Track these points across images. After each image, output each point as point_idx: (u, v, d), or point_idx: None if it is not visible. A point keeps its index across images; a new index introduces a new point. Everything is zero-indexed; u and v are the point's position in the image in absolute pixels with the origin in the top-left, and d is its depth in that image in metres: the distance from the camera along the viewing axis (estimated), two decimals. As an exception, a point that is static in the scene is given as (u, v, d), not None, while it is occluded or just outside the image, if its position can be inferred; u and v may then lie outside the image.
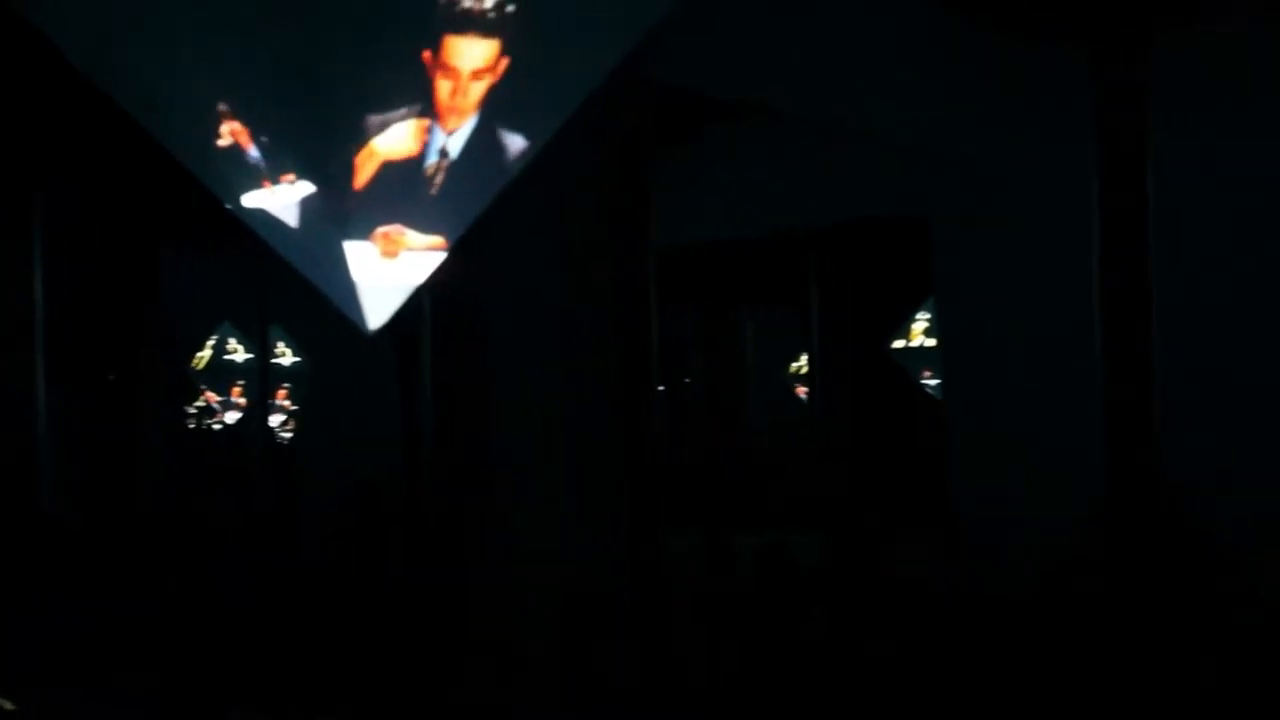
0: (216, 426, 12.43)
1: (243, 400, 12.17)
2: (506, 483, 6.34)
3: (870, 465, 10.51)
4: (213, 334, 12.06)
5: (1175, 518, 7.05)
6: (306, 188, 2.37)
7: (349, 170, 2.28)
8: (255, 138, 2.34)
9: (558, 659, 6.03)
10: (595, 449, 6.26)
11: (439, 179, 2.36)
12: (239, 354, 12.02)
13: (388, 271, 2.41)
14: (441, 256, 2.49)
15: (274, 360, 11.90)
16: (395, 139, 2.27)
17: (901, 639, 6.82)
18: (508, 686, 6.02)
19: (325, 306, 2.56)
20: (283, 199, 2.42)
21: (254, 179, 2.43)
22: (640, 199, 6.63)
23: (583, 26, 2.42)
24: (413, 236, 2.41)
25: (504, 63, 2.27)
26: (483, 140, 2.37)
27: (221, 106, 2.33)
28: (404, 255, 2.41)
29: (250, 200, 2.48)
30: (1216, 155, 7.84)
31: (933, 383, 9.87)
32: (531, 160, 2.57)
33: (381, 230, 2.38)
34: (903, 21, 7.56)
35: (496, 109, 2.35)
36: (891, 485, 10.00)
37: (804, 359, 11.56)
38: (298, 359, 12.06)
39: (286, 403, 12.21)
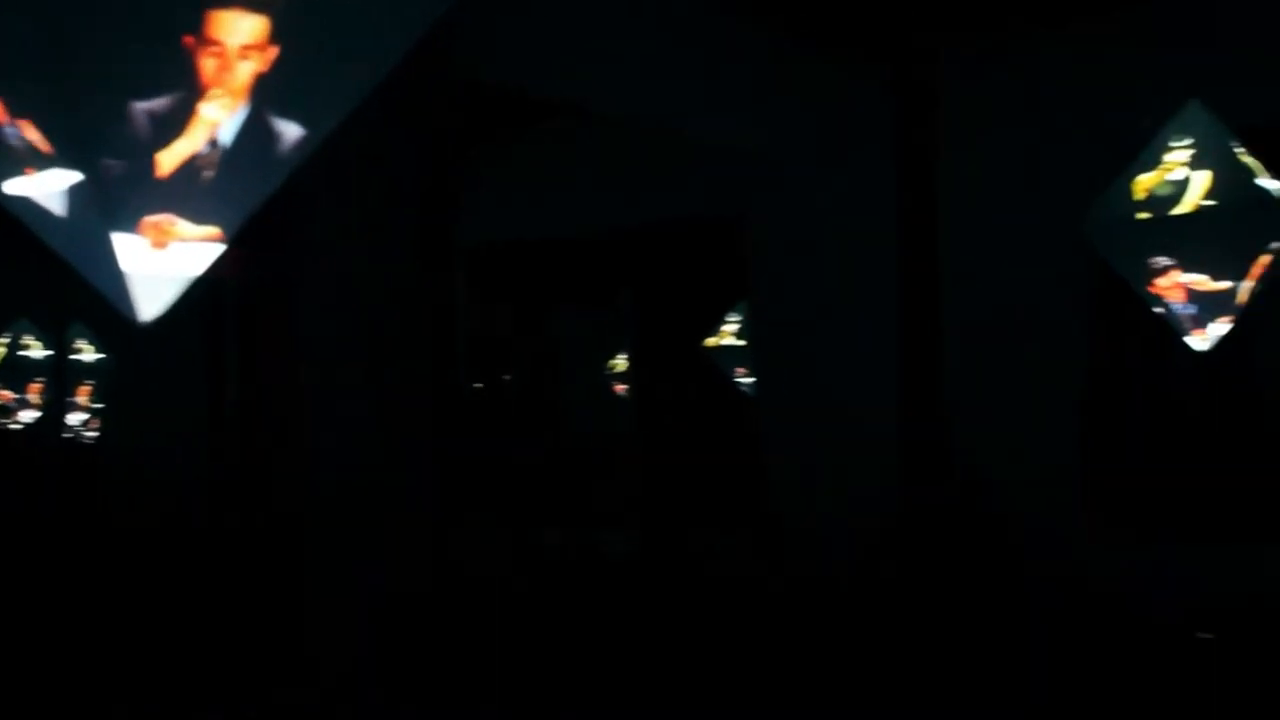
0: (14, 426, 11.94)
1: (41, 399, 11.71)
2: (315, 480, 6.23)
3: (688, 462, 10.61)
4: (6, 331, 11.58)
5: (969, 503, 7.32)
6: (72, 174, 2.27)
7: (114, 155, 2.20)
8: (13, 117, 2.24)
9: (360, 660, 5.95)
10: (403, 445, 6.20)
11: (210, 167, 2.29)
12: (36, 350, 11.56)
13: (159, 262, 2.33)
14: (219, 248, 2.41)
15: (74, 357, 11.48)
16: (163, 123, 2.20)
17: (710, 631, 6.92)
18: (312, 688, 5.92)
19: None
20: (47, 185, 2.32)
21: (16, 164, 2.33)
22: (452, 196, 6.60)
23: (363, 11, 2.37)
24: (184, 227, 2.33)
25: (275, 45, 2.22)
26: (256, 128, 2.31)
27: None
28: (175, 246, 2.33)
29: (13, 187, 2.37)
30: (1002, 164, 8.14)
31: (747, 381, 10.02)
32: (317, 151, 2.51)
33: (151, 220, 2.29)
34: (715, 27, 7.66)
35: (270, 94, 2.29)
36: (708, 482, 10.12)
37: (622, 357, 11.62)
38: (101, 355, 11.66)
39: (88, 400, 11.79)
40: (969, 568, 7.03)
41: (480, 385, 11.47)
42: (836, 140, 8.46)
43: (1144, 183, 5.77)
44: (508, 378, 12.58)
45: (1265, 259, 5.78)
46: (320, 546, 6.06)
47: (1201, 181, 5.69)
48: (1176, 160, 5.73)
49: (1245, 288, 5.77)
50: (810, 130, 8.46)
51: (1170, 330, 6.05)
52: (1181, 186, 5.68)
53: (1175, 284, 5.88)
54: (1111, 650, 6.48)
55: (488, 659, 6.43)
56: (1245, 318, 5.94)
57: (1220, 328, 5.88)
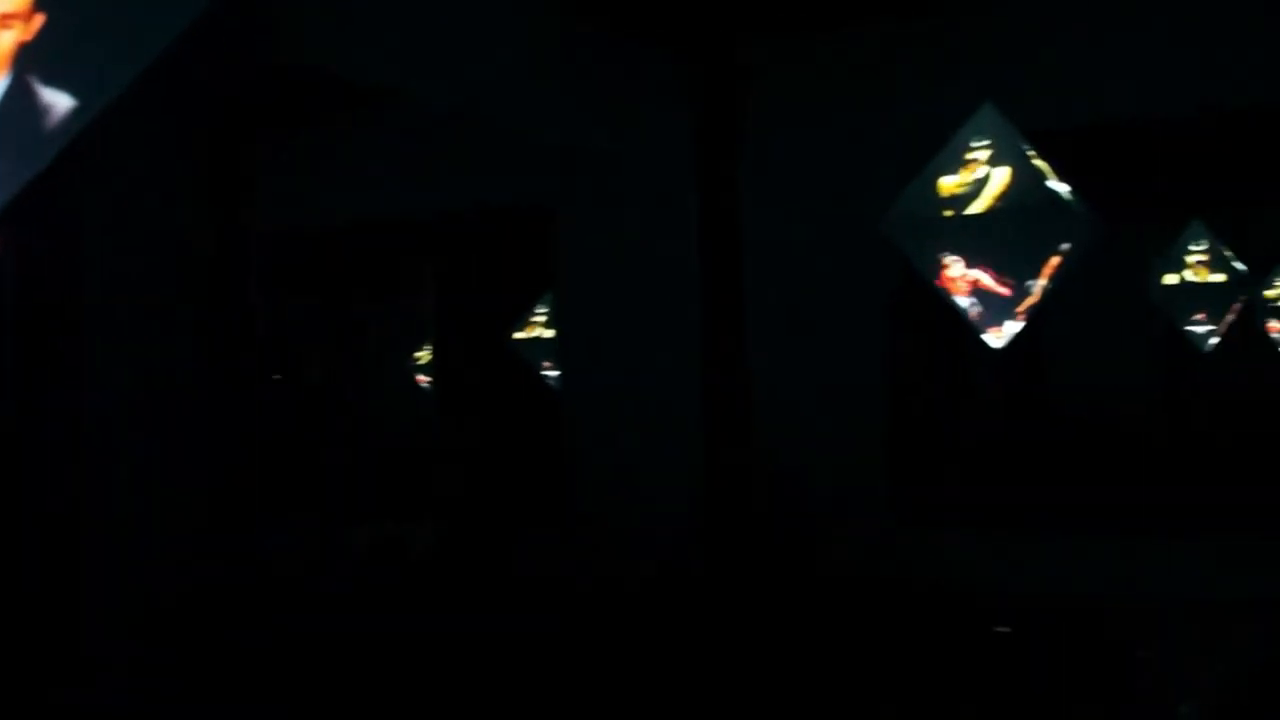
0: None
1: None
2: (95, 476, 5.96)
3: (494, 457, 10.49)
4: None
5: (775, 497, 7.40)
6: None
7: None
8: None
9: (136, 656, 5.71)
10: (187, 440, 5.97)
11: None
12: None
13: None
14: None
15: None
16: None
17: (511, 627, 6.83)
18: (89, 684, 5.65)
19: None
20: None
21: None
22: (247, 181, 6.38)
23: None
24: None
25: (38, 17, 2.07)
26: (21, 99, 2.16)
27: None
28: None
29: None
30: (805, 161, 8.26)
31: (553, 374, 9.94)
32: (93, 130, 2.35)
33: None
34: (528, 18, 7.58)
35: (35, 64, 2.13)
36: (515, 477, 10.01)
37: (427, 349, 11.42)
38: None
39: None
40: (772, 565, 7.11)
41: (279, 377, 11.14)
42: (644, 134, 8.45)
43: (946, 182, 5.90)
44: (311, 369, 12.26)
45: (1055, 259, 5.97)
46: (98, 544, 5.79)
47: (998, 182, 5.84)
48: (976, 161, 5.87)
49: (1038, 286, 5.96)
50: (618, 123, 8.44)
51: (968, 326, 6.21)
52: (980, 186, 5.82)
53: (971, 281, 6.03)
54: (917, 640, 6.61)
55: (276, 658, 6.23)
56: (1038, 315, 6.13)
57: (1014, 325, 6.06)
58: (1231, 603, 6.87)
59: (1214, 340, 8.83)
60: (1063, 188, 5.89)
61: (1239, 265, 8.82)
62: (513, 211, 9.74)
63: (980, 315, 6.09)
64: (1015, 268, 5.90)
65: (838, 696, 5.85)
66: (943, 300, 6.23)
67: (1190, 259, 8.68)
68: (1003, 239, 5.93)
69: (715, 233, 7.31)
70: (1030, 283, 5.90)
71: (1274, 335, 9.46)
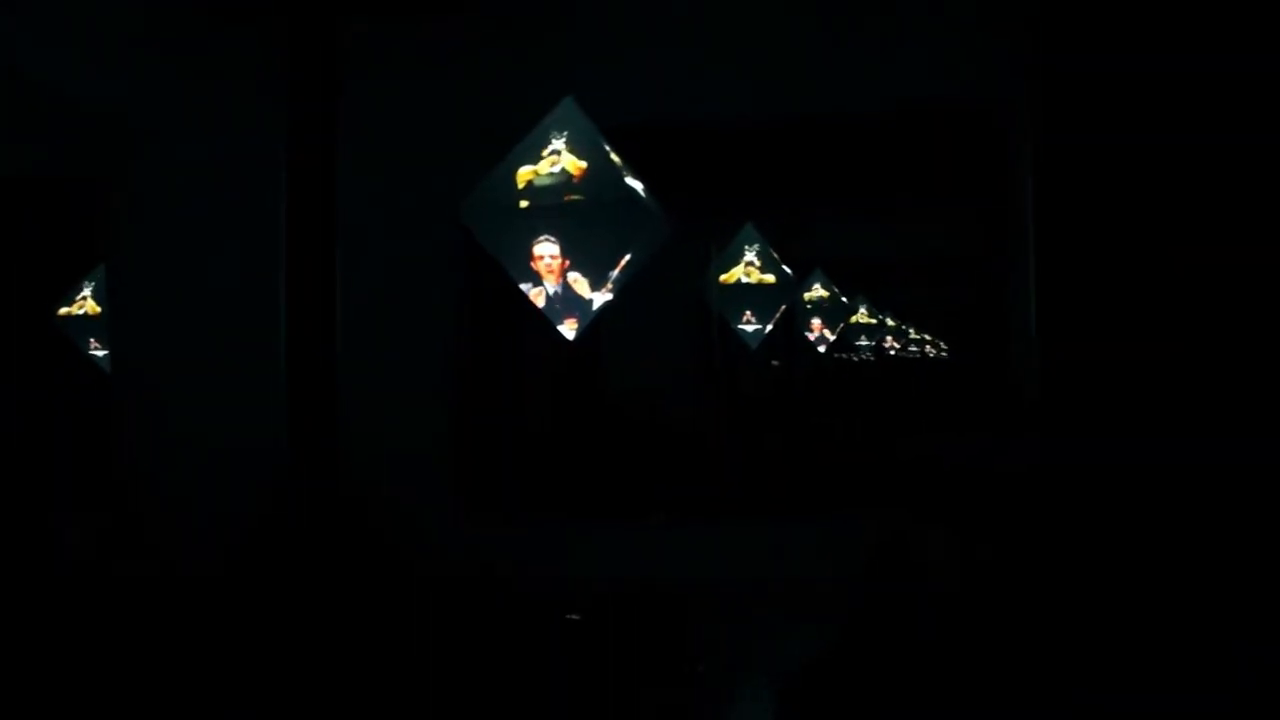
0: None
1: None
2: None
3: (33, 439, 9.72)
4: None
5: (351, 500, 7.25)
6: None
7: None
8: None
9: None
10: None
11: None
12: None
13: None
14: None
15: None
16: None
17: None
18: None
19: None
20: None
21: None
22: None
23: None
24: None
25: None
26: None
27: None
28: None
29: None
30: (393, 145, 8.14)
31: (100, 353, 9.32)
32: None
33: None
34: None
35: None
36: (58, 462, 9.33)
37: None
38: None
39: None
40: (343, 559, 6.96)
41: None
42: (225, 109, 8.05)
43: (524, 172, 5.98)
44: None
45: (627, 255, 6.17)
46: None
47: (575, 175, 5.97)
48: (556, 153, 5.98)
49: (610, 280, 6.13)
50: (194, 96, 8.01)
51: (537, 320, 6.32)
52: (559, 179, 5.93)
53: (547, 271, 6.13)
54: (485, 633, 6.66)
55: None
56: (607, 309, 6.31)
57: (585, 318, 6.22)
58: (780, 582, 7.35)
59: (761, 339, 9.42)
60: (637, 184, 6.09)
61: (786, 269, 9.45)
62: (56, 180, 9.08)
63: (555, 308, 6.21)
64: (591, 261, 6.05)
65: (400, 697, 5.82)
66: (513, 294, 6.31)
67: (743, 261, 9.22)
68: (579, 232, 6.07)
69: (303, 214, 7.06)
70: (604, 276, 6.07)
71: (812, 336, 10.22)
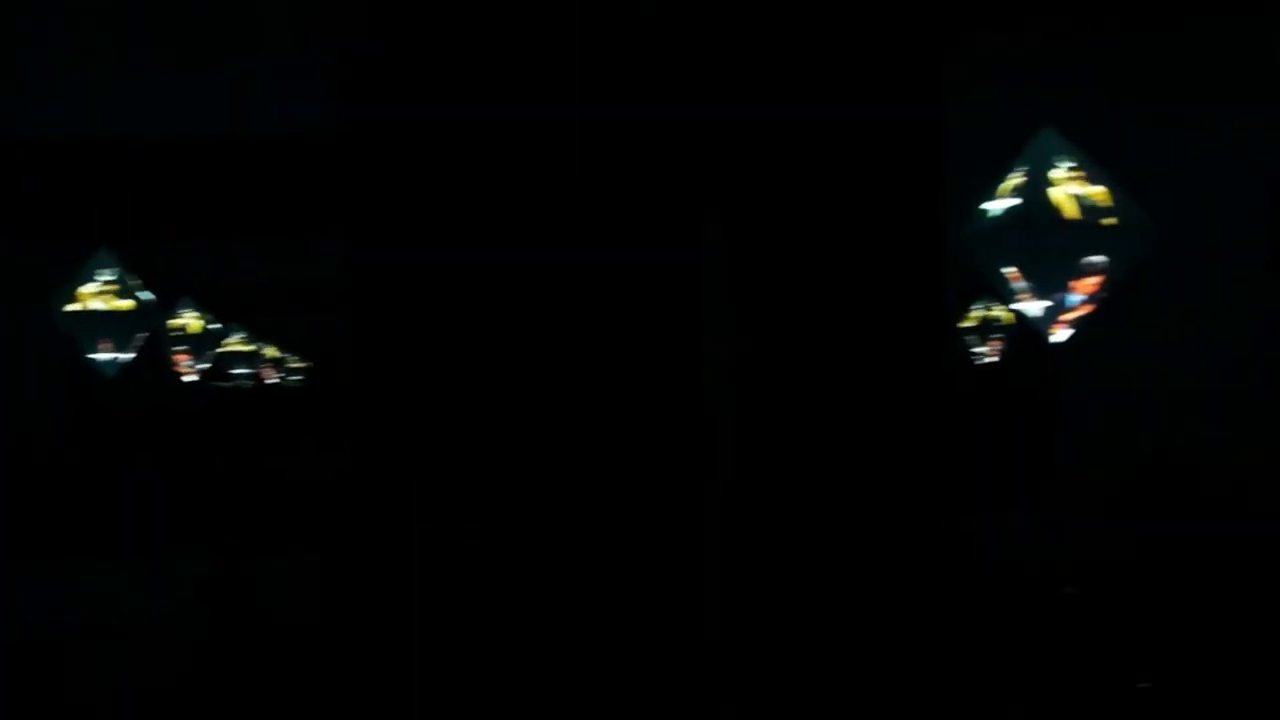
0: None
1: None
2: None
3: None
4: None
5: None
6: None
7: None
8: None
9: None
10: None
11: None
12: None
13: None
14: None
15: None
16: None
17: None
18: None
19: None
20: None
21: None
22: None
23: None
24: None
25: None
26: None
27: None
28: None
29: None
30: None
31: None
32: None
33: None
34: None
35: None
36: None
37: None
38: None
39: None
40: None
41: None
42: None
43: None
44: None
45: None
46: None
47: None
48: None
49: None
50: None
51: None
52: None
53: None
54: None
55: None
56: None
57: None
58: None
59: (121, 367, 8.93)
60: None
61: (147, 294, 9.00)
62: None
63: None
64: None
65: None
66: None
67: (96, 286, 8.69)
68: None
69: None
70: None
71: (180, 364, 9.87)
